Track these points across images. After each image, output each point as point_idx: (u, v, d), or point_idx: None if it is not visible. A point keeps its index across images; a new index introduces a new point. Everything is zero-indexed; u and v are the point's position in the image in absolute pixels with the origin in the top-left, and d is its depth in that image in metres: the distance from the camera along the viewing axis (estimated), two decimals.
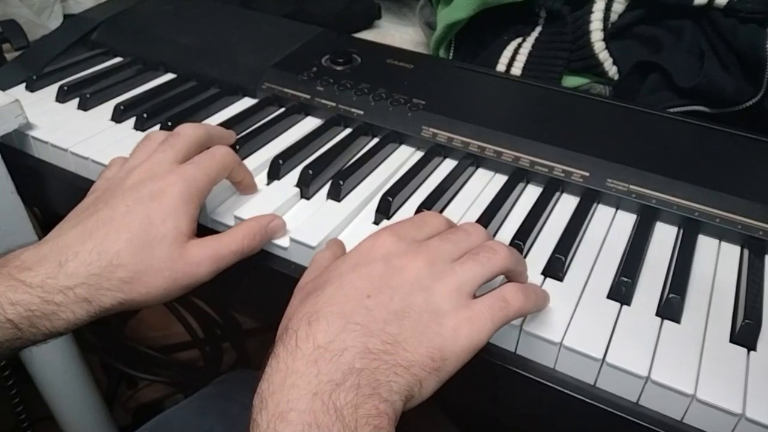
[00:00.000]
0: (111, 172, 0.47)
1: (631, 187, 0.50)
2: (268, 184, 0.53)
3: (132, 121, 0.60)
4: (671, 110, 0.58)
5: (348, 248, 0.44)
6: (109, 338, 1.05)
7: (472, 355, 0.34)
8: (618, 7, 0.62)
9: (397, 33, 0.81)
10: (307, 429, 0.29)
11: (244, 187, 0.50)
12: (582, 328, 0.40)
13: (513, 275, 0.39)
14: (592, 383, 0.39)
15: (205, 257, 0.42)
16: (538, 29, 0.66)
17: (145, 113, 0.59)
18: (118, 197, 0.42)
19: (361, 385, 0.31)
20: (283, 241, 0.47)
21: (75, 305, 0.39)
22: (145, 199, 0.42)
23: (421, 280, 0.35)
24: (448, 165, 0.56)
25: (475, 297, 0.36)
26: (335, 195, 0.51)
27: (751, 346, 0.39)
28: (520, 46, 0.65)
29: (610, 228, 0.49)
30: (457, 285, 0.36)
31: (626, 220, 0.50)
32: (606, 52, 0.62)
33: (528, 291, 0.37)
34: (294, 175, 0.53)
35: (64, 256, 0.39)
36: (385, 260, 0.36)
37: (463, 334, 0.34)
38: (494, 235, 0.48)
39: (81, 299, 0.39)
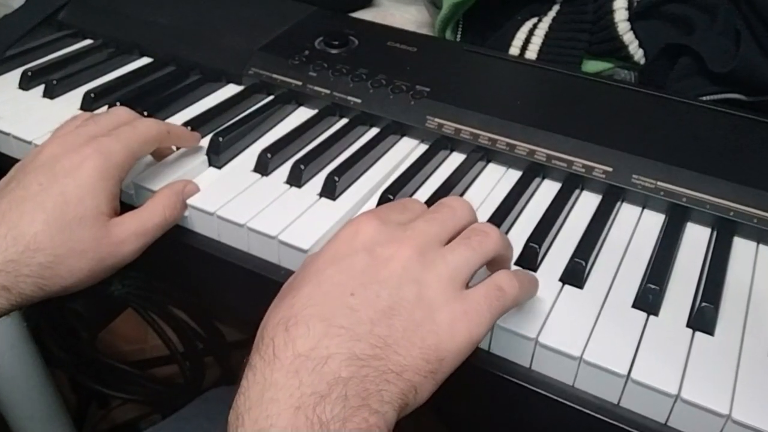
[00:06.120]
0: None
1: (659, 183, 0.50)
2: (256, 180, 0.53)
3: (104, 110, 0.60)
4: (703, 98, 0.58)
5: None
6: (78, 352, 1.05)
7: (470, 352, 0.34)
8: None
9: (398, 12, 0.81)
10: None
11: (184, 145, 0.54)
12: (604, 341, 0.40)
13: (502, 260, 0.40)
14: (616, 402, 0.39)
15: (130, 234, 0.44)
16: (556, 8, 0.66)
17: (119, 102, 0.59)
18: (31, 174, 0.43)
19: (349, 396, 0.31)
20: (271, 244, 0.47)
21: None
22: (59, 175, 0.43)
23: (410, 270, 0.35)
24: (456, 159, 0.56)
25: (468, 287, 0.36)
26: (330, 193, 0.51)
27: None
28: (535, 26, 0.65)
29: (635, 229, 0.49)
30: (450, 274, 0.35)
31: (653, 221, 0.50)
32: (631, 33, 0.62)
33: (520, 278, 0.38)
34: (284, 170, 0.53)
35: None
36: (369, 250, 0.35)
37: (460, 330, 0.34)
38: None
39: None
